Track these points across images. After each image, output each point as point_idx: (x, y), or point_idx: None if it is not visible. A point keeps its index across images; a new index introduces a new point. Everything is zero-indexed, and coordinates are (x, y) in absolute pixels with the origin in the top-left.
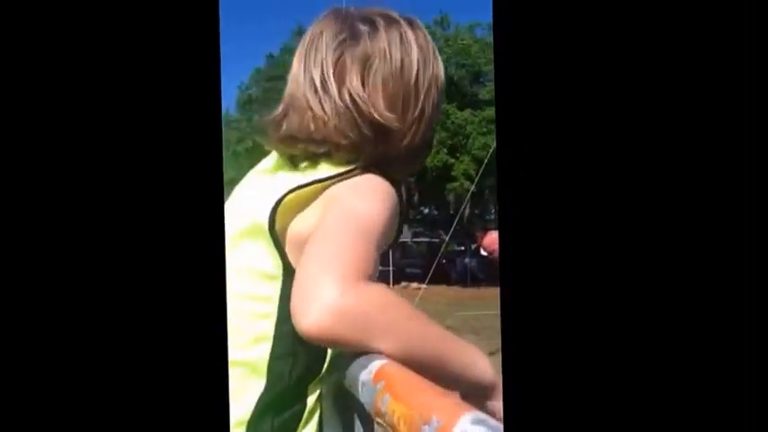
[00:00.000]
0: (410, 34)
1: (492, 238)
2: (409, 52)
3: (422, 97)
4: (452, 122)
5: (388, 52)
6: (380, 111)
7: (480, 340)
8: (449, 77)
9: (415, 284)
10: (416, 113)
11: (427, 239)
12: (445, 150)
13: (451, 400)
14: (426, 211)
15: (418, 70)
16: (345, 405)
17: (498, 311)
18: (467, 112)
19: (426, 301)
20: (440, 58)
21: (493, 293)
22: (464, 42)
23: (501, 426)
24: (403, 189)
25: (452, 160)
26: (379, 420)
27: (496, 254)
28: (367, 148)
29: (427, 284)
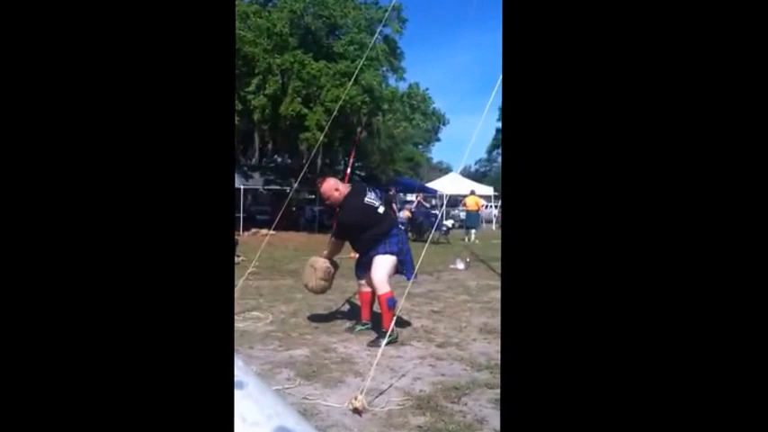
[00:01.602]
0: None
1: (328, 185)
2: None
3: None
4: (308, 73)
5: None
6: None
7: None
8: (306, 27)
9: (264, 230)
10: None
11: (278, 187)
12: (299, 100)
13: None
14: (279, 159)
15: None
16: None
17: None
18: (321, 64)
19: (274, 247)
20: None
21: None
22: None
23: None
24: None
25: (306, 110)
26: None
27: (331, 200)
28: None
29: (275, 231)
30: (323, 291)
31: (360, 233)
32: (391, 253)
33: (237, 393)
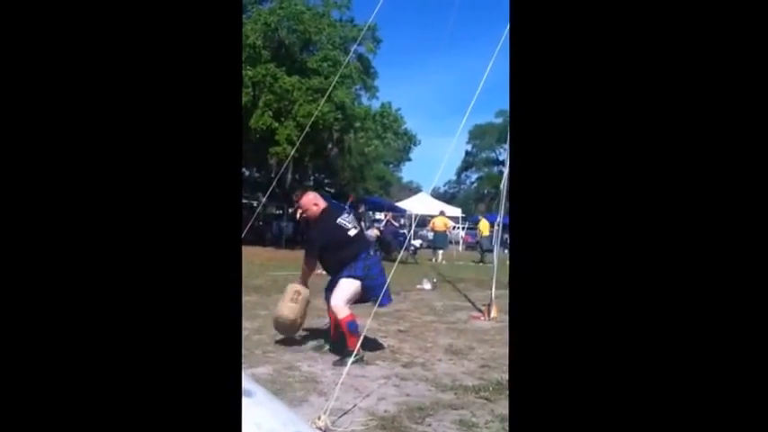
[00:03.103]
0: None
1: (308, 199)
2: None
3: None
4: (280, 87)
5: None
6: None
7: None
8: (280, 41)
9: None
10: None
11: (245, 201)
12: (270, 114)
13: None
14: (247, 173)
15: None
16: None
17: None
18: (294, 78)
19: None
20: None
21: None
22: (297, 8)
23: None
24: None
25: (276, 124)
26: None
27: (309, 213)
28: None
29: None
30: (294, 317)
31: (328, 254)
32: (355, 277)
33: (247, 401)
